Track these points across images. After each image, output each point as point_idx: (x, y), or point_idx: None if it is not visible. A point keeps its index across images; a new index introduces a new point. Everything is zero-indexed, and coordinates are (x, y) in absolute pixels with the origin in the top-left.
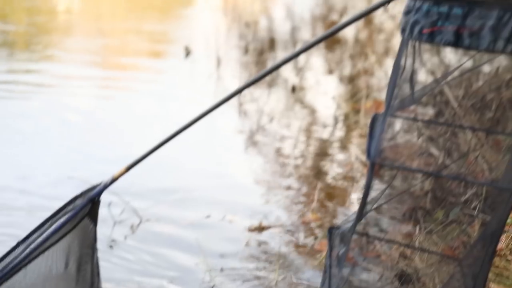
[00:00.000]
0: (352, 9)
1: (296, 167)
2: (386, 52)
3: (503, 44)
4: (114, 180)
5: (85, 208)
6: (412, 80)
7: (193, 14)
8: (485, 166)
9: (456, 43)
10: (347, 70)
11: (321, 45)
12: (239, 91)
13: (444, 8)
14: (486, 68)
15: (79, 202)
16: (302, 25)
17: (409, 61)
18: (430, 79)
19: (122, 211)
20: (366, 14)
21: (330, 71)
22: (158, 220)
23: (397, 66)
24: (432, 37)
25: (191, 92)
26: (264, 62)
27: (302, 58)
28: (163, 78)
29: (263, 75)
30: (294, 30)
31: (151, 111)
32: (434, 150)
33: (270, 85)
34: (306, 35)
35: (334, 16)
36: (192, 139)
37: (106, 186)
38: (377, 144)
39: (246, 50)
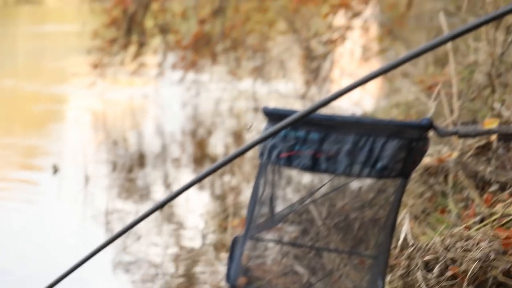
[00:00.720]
0: (221, 125)
1: (165, 285)
2: (255, 169)
3: (359, 168)
4: None
5: None
6: (271, 202)
7: (63, 130)
8: (349, 285)
9: (313, 167)
10: (216, 187)
11: (189, 160)
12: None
13: (301, 133)
14: (354, 185)
15: None
16: (172, 141)
17: (268, 184)
18: (296, 197)
19: None
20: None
21: (199, 188)
22: None
23: (256, 189)
24: (289, 162)
25: (58, 212)
26: (133, 179)
27: (171, 173)
28: (30, 197)
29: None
30: (164, 146)
31: (15, 236)
32: (299, 269)
33: (137, 202)
34: (176, 152)
35: (202, 132)
36: (59, 259)
37: None
38: (237, 266)
39: (114, 167)
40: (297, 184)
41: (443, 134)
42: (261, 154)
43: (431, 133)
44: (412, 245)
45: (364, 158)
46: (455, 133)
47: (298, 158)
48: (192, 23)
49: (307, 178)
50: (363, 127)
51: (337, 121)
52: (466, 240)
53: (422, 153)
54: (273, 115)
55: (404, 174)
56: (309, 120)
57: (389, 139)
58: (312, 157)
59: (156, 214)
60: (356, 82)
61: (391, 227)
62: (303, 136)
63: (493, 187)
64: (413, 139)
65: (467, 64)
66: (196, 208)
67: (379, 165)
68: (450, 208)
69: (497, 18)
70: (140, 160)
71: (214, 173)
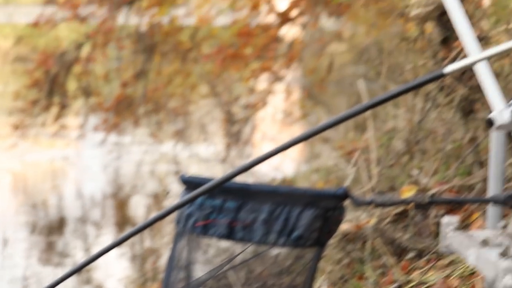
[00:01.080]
0: (142, 189)
1: None
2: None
3: (275, 238)
4: None
5: None
6: (188, 268)
7: None
8: None
9: (230, 236)
10: (135, 250)
11: (110, 223)
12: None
13: (217, 201)
14: (272, 252)
15: None
16: (93, 204)
17: (185, 251)
18: (214, 263)
19: None
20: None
21: (119, 251)
22: None
23: (172, 256)
24: (205, 230)
25: None
26: (53, 242)
27: (91, 236)
28: None
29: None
30: (84, 209)
31: None
32: None
33: (56, 265)
34: (96, 215)
35: (123, 195)
36: None
37: None
38: None
39: (33, 230)
40: (216, 250)
41: (359, 204)
42: (178, 222)
43: (347, 202)
44: None
45: (279, 227)
46: (370, 203)
47: (215, 227)
48: (114, 85)
49: (225, 244)
50: (279, 196)
51: (253, 190)
52: None
53: (338, 222)
54: (190, 183)
55: (320, 243)
56: (226, 189)
57: (305, 208)
58: (228, 226)
59: (74, 277)
60: (277, 149)
61: None
62: (219, 205)
63: (410, 254)
64: (329, 208)
65: (386, 131)
66: (115, 272)
67: (294, 234)
68: (367, 275)
69: (417, 87)
70: (60, 223)
71: (134, 236)
